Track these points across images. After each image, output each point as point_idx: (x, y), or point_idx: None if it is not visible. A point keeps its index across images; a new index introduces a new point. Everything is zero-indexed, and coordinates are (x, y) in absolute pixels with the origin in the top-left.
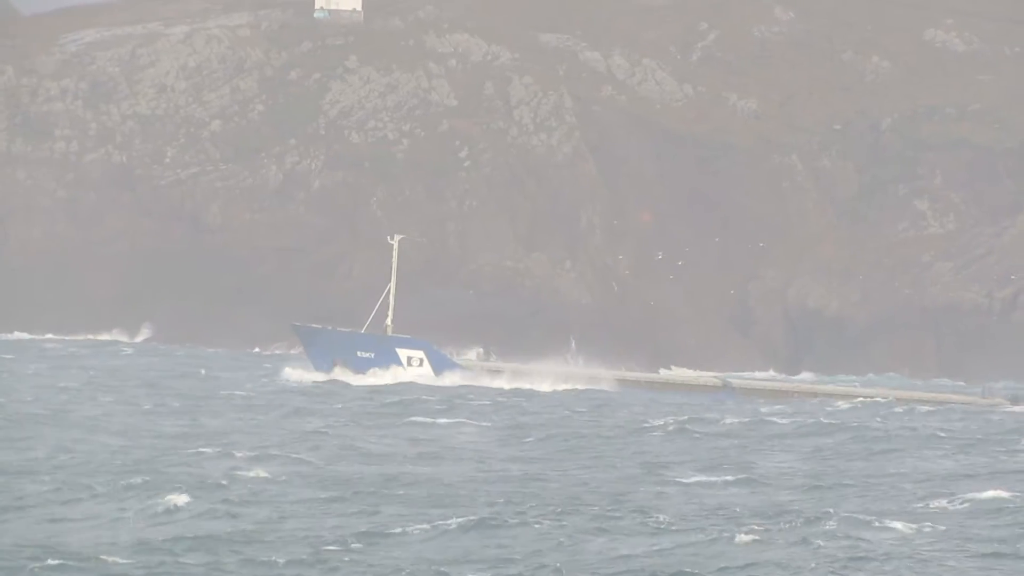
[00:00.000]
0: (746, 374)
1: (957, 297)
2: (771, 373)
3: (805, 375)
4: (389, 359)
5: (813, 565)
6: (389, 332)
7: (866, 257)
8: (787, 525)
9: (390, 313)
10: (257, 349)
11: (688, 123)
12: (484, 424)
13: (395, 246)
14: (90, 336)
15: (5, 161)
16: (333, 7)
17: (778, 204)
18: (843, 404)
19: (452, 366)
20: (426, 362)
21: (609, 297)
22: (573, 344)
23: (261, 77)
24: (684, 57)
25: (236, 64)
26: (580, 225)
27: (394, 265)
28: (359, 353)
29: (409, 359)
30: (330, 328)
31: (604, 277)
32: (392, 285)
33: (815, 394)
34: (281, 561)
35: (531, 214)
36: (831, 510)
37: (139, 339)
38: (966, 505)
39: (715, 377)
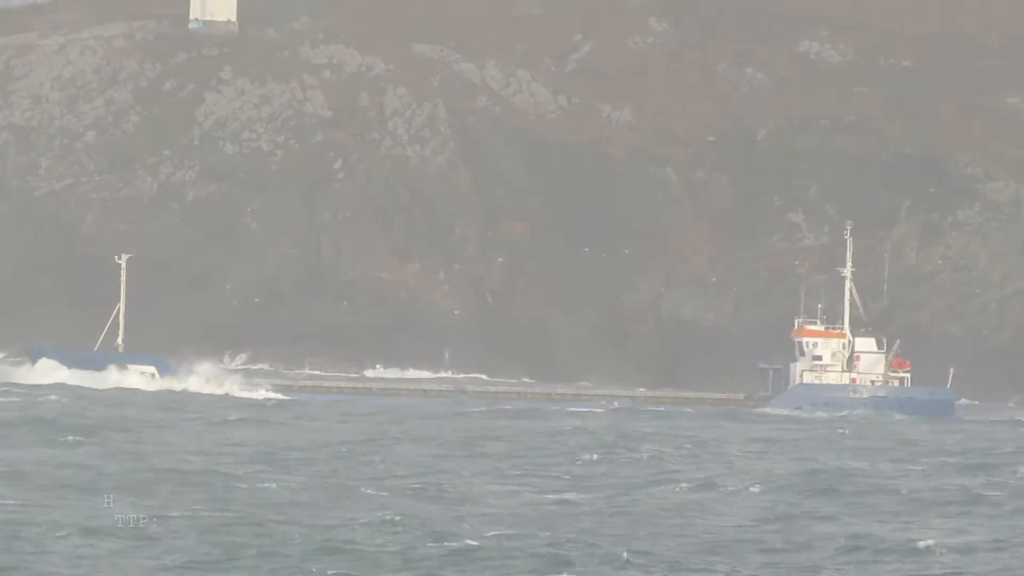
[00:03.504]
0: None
1: (832, 309)
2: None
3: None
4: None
5: None
6: (120, 351)
7: (741, 269)
8: None
9: (120, 332)
10: None
11: (562, 134)
12: None
13: (123, 265)
14: None
15: None
16: (208, 18)
17: (653, 215)
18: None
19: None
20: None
21: (483, 308)
22: (447, 355)
23: (136, 88)
24: (558, 68)
25: (110, 75)
26: (454, 236)
27: (123, 285)
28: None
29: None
30: (61, 348)
31: (478, 289)
32: (121, 305)
33: (549, 396)
34: None
35: (405, 225)
36: None
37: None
38: None
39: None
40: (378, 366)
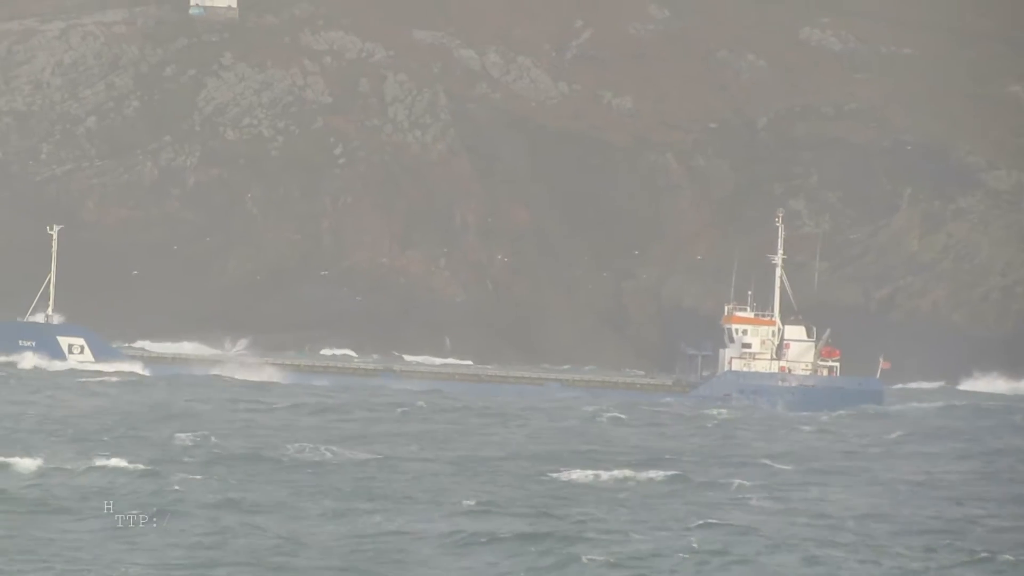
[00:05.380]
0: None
1: (833, 297)
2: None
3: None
4: (50, 347)
5: None
6: (52, 322)
7: (741, 257)
8: None
9: (51, 303)
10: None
11: (563, 121)
12: None
13: (55, 236)
14: None
15: None
16: (208, 4)
17: (653, 202)
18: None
19: (113, 353)
20: (87, 349)
21: (483, 295)
22: (448, 342)
23: (136, 74)
24: (559, 55)
25: (111, 61)
26: (454, 223)
27: (54, 255)
28: (20, 342)
29: (70, 346)
30: None
31: (478, 275)
32: (52, 276)
33: (478, 377)
34: None
35: (405, 211)
36: None
37: None
38: None
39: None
40: (375, 356)
